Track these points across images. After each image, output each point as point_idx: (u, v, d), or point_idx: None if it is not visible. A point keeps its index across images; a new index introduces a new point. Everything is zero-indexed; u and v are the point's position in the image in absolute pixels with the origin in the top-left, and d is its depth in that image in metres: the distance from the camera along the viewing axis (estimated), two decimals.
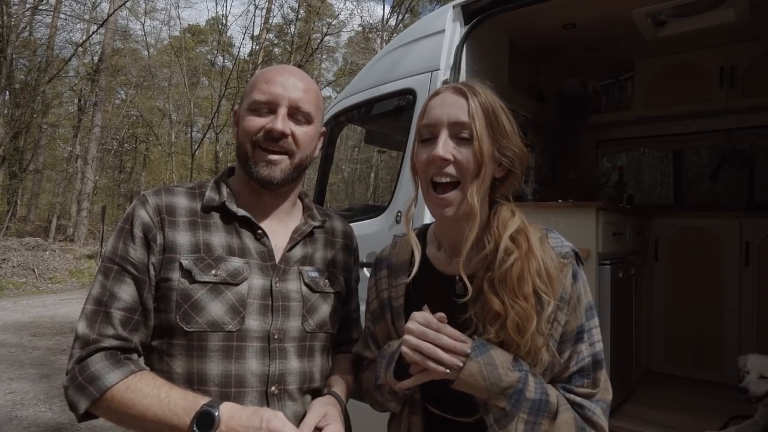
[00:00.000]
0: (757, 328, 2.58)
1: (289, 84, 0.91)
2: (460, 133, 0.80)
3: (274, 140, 0.89)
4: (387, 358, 0.85)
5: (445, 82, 2.01)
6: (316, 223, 1.01)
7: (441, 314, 0.76)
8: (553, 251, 0.81)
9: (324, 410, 0.86)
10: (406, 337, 0.76)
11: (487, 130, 0.80)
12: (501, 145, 0.82)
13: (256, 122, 0.90)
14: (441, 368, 0.73)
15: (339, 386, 0.96)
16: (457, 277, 0.84)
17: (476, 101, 0.81)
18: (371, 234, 2.17)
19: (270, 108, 0.90)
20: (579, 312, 0.80)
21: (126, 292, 0.84)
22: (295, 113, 0.92)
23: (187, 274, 0.85)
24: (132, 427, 0.81)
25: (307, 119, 0.94)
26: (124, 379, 0.79)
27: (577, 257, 0.84)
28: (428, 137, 0.83)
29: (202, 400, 0.77)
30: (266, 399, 0.86)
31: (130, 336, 0.84)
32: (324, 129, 1.02)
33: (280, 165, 0.90)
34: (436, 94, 0.85)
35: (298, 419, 0.88)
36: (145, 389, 0.79)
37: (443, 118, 0.81)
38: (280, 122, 0.89)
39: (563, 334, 0.79)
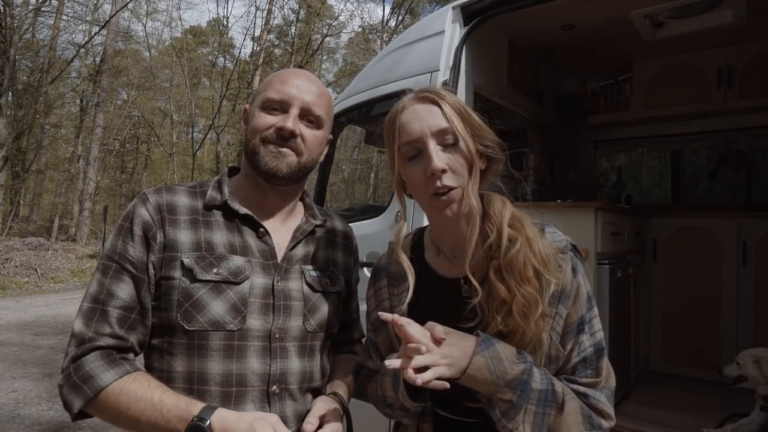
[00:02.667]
0: (754, 326, 2.59)
1: (303, 87, 0.92)
2: (445, 139, 0.80)
3: (283, 139, 0.90)
4: (392, 378, 0.83)
5: (444, 83, 2.03)
6: (318, 222, 1.01)
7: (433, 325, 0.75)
8: (548, 242, 0.82)
9: (327, 407, 0.87)
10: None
11: (466, 129, 0.81)
12: (481, 137, 0.83)
13: (267, 120, 0.90)
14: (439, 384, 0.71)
15: (341, 386, 0.97)
16: (462, 280, 0.84)
17: (446, 104, 0.81)
18: (371, 234, 2.19)
19: (282, 107, 0.91)
20: (580, 304, 0.81)
21: (124, 290, 0.84)
22: (306, 115, 0.92)
23: (188, 272, 0.84)
24: (127, 428, 0.80)
25: (318, 123, 0.94)
26: (118, 380, 0.78)
27: (575, 250, 0.85)
28: (414, 154, 0.81)
29: (195, 409, 0.76)
30: (267, 398, 0.86)
31: (127, 335, 0.83)
32: (331, 136, 1.03)
33: (287, 158, 0.90)
34: (403, 109, 0.83)
35: (299, 418, 0.89)
36: (138, 392, 0.78)
37: (425, 130, 0.80)
38: (291, 122, 0.89)
39: (565, 326, 0.80)
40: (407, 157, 0.82)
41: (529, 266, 0.77)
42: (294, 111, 0.90)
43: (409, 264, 0.86)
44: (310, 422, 0.83)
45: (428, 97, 0.82)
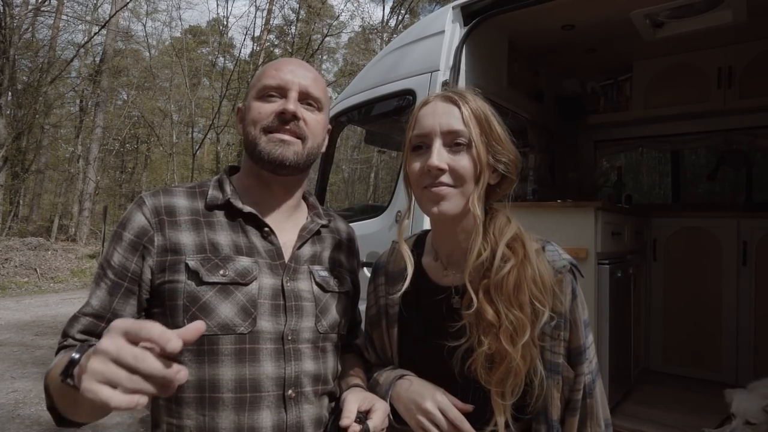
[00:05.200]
0: (754, 327, 2.59)
1: (299, 72, 0.90)
2: (454, 141, 0.79)
3: (284, 122, 0.87)
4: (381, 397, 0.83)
5: (444, 83, 2.03)
6: (323, 222, 0.99)
7: (467, 406, 0.77)
8: (548, 264, 0.80)
9: (362, 395, 0.83)
10: (420, 418, 0.77)
11: (481, 137, 0.80)
12: (496, 151, 0.81)
13: (266, 108, 0.88)
14: None
15: (357, 380, 0.94)
16: (453, 290, 0.83)
17: (468, 108, 0.80)
18: (371, 234, 2.19)
19: (280, 93, 0.88)
20: (579, 330, 0.80)
21: (97, 297, 0.82)
22: (306, 98, 0.90)
23: (194, 275, 0.81)
24: (71, 410, 0.72)
25: (318, 105, 0.92)
26: (62, 358, 0.74)
27: (575, 272, 0.83)
28: (419, 146, 0.82)
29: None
30: (283, 403, 0.83)
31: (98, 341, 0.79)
32: (330, 126, 1.01)
33: (292, 146, 0.88)
34: (426, 103, 0.84)
35: (316, 424, 0.86)
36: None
37: (435, 127, 0.80)
38: (292, 103, 0.87)
39: (571, 349, 0.79)
40: (412, 147, 0.84)
41: (522, 290, 0.75)
42: (293, 94, 0.88)
43: (410, 255, 0.85)
44: (347, 416, 0.78)
45: (451, 97, 0.82)
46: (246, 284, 0.84)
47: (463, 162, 0.79)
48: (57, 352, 0.82)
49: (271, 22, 17.30)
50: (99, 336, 0.78)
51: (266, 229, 0.90)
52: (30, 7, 13.10)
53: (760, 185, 3.05)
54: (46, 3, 13.62)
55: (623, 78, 3.20)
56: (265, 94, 0.89)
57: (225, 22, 18.13)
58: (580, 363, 0.79)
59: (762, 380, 1.92)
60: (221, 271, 0.83)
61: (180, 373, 0.52)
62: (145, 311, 0.86)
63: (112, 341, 0.52)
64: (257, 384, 0.81)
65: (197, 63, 18.56)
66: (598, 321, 2.09)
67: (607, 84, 3.28)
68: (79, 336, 0.81)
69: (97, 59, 15.84)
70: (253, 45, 17.51)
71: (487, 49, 2.37)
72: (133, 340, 0.52)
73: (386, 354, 0.92)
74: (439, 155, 0.78)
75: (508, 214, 0.84)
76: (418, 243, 0.95)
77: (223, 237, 0.87)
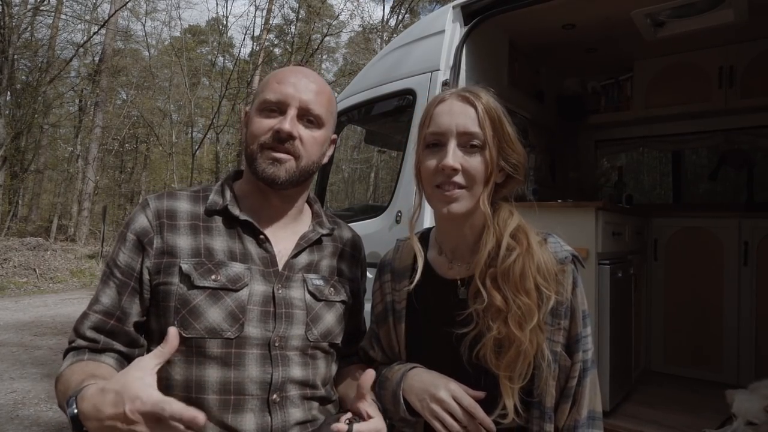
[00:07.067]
0: (755, 327, 2.58)
1: (301, 85, 0.89)
2: (469, 142, 0.81)
3: (280, 141, 0.88)
4: (392, 396, 0.84)
5: (444, 83, 2.02)
6: (325, 231, 0.99)
7: (479, 393, 0.79)
8: (551, 255, 0.82)
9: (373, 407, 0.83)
10: (434, 407, 0.78)
11: (494, 139, 0.82)
12: (505, 152, 0.84)
13: (264, 124, 0.88)
14: None
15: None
16: (459, 282, 0.86)
17: (483, 110, 0.82)
18: (371, 234, 2.18)
19: (280, 108, 0.88)
20: (577, 319, 0.82)
21: (107, 295, 0.86)
22: (305, 115, 0.89)
23: (186, 278, 0.84)
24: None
25: (318, 122, 0.92)
26: (69, 366, 0.79)
27: (576, 262, 0.85)
28: (434, 143, 0.83)
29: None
30: (267, 407, 0.84)
31: (103, 338, 0.84)
32: (335, 136, 1.00)
33: (285, 164, 0.88)
34: (442, 101, 0.85)
35: (303, 426, 0.87)
36: (76, 370, 0.77)
37: (452, 127, 0.82)
38: (288, 123, 0.87)
39: (569, 338, 0.82)
40: (427, 143, 0.85)
41: (528, 277, 0.78)
42: (291, 112, 0.88)
43: (420, 249, 0.88)
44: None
45: (467, 96, 0.83)
46: (236, 290, 0.86)
47: (476, 163, 0.81)
48: (67, 352, 0.85)
49: (270, 22, 17.29)
50: (108, 333, 0.86)
51: (261, 236, 0.91)
52: (29, 7, 13.08)
53: (761, 185, 3.05)
54: (45, 2, 13.61)
55: (624, 77, 3.19)
56: (265, 108, 0.89)
57: (224, 22, 18.12)
58: (576, 351, 0.82)
59: (763, 381, 1.91)
60: (213, 276, 0.85)
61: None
62: (146, 311, 0.88)
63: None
64: (241, 387, 0.83)
65: (197, 63, 18.55)
66: (598, 321, 2.08)
67: (608, 83, 3.27)
68: (89, 333, 0.84)
69: (96, 59, 15.82)
70: (253, 44, 17.49)
71: (488, 49, 2.36)
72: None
73: (393, 350, 0.94)
74: (454, 155, 0.81)
75: (511, 208, 0.87)
76: (422, 240, 0.97)
77: (219, 242, 0.89)
